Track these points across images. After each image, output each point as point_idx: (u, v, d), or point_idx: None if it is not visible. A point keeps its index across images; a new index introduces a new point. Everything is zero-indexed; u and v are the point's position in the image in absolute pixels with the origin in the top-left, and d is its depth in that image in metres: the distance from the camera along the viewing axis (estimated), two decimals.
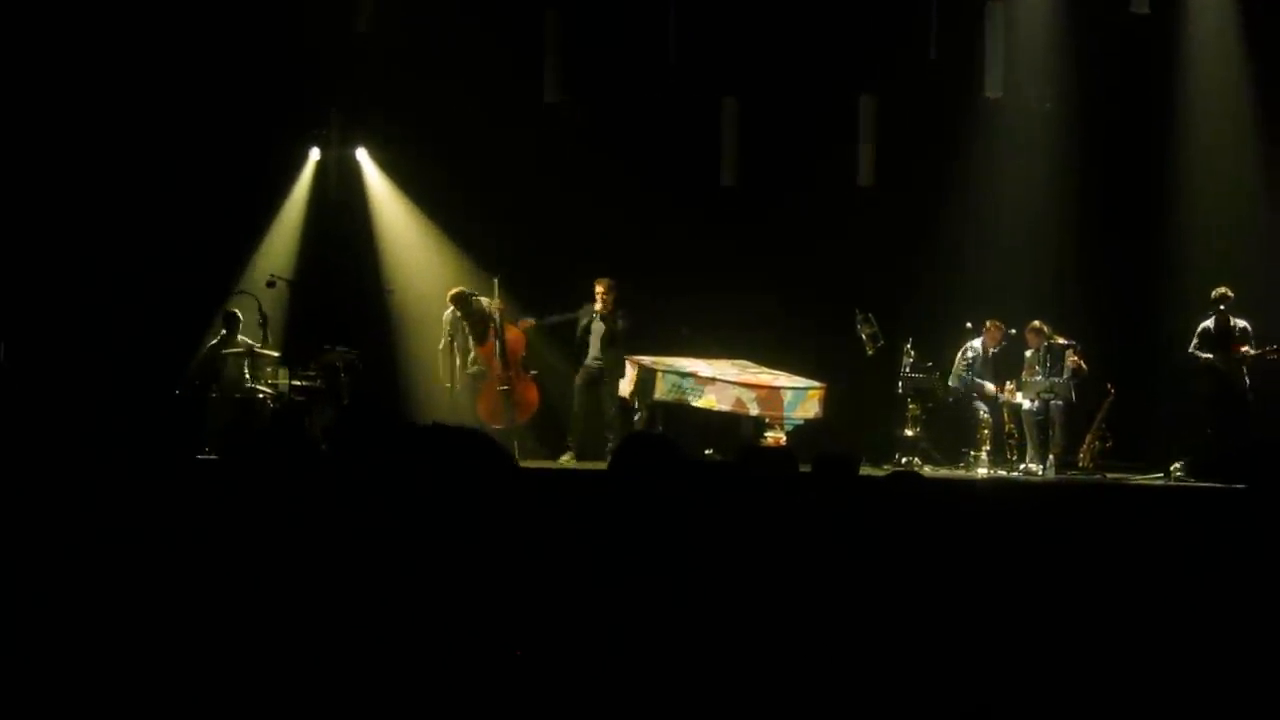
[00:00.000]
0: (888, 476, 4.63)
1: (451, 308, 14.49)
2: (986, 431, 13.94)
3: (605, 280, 14.13)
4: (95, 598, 3.16)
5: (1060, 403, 13.74)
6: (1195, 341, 13.48)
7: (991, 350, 14.35)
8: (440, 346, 14.60)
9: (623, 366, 14.00)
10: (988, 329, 14.32)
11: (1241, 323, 13.35)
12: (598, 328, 14.18)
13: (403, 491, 2.82)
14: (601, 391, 14.17)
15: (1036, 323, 13.95)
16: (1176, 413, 14.12)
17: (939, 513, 4.17)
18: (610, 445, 13.90)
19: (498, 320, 14.37)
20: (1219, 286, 13.40)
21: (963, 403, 14.28)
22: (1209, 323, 13.42)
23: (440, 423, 2.89)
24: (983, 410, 14.08)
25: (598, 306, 14.15)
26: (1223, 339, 13.35)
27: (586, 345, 14.24)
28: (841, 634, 3.59)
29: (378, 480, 2.89)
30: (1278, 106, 14.33)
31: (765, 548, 3.92)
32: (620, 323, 14.09)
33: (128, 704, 2.89)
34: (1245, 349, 13.25)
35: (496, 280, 14.42)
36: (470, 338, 14.52)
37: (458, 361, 14.54)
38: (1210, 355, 13.35)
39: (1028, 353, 14.01)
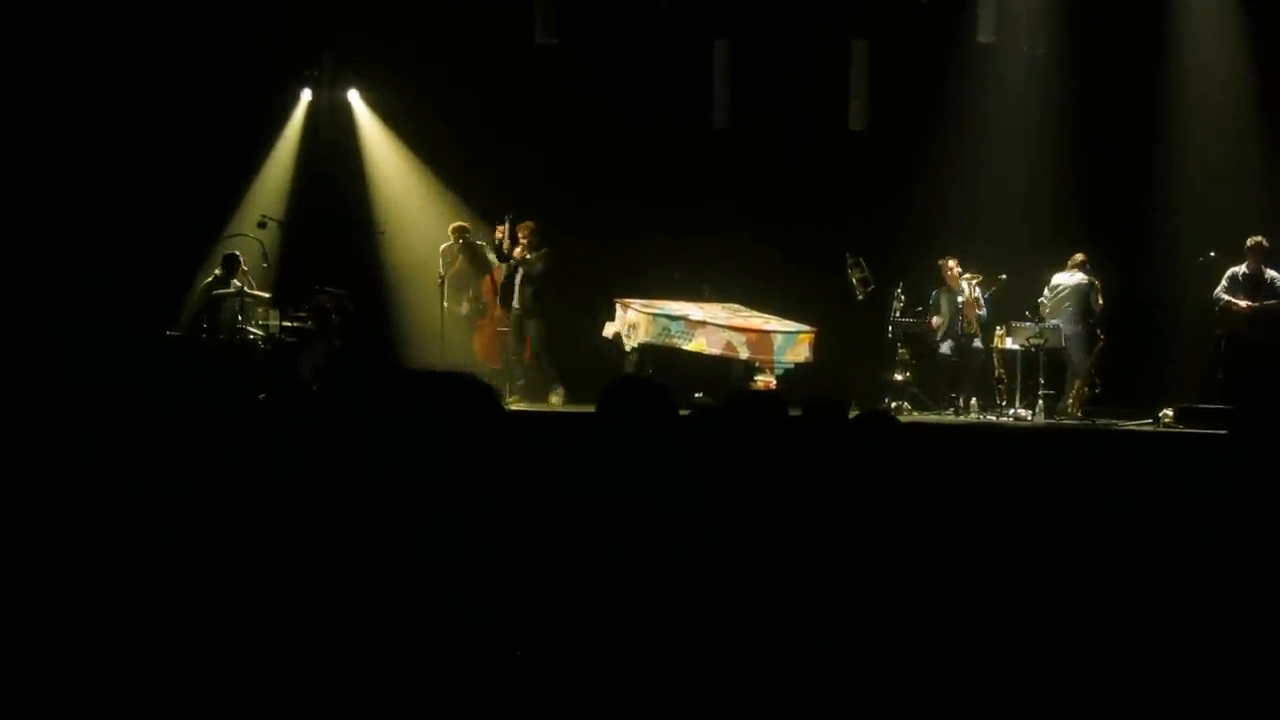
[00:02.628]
0: (856, 418, 4.62)
1: (451, 240, 14.57)
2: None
3: (527, 224, 14.24)
4: (84, 544, 3.18)
5: (1075, 348, 13.71)
6: (1224, 284, 13.40)
7: (958, 293, 14.16)
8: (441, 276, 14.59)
9: (542, 307, 14.20)
10: (947, 270, 14.31)
11: (1272, 272, 13.32)
12: (522, 270, 14.28)
13: (391, 437, 2.84)
14: (525, 333, 14.37)
15: (1080, 256, 13.86)
16: (1169, 359, 14.17)
17: (912, 454, 4.20)
18: (521, 383, 14.25)
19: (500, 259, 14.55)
20: (1255, 235, 13.30)
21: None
22: (1241, 268, 13.35)
23: (430, 367, 2.91)
24: (942, 348, 14.19)
25: (516, 251, 14.22)
26: (1254, 286, 13.34)
27: (513, 287, 14.34)
28: (825, 577, 3.63)
29: (367, 426, 2.91)
30: (1272, 54, 14.27)
31: (755, 491, 3.95)
32: (539, 265, 14.16)
33: (124, 647, 2.92)
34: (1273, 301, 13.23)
35: (508, 220, 14.45)
36: (473, 273, 14.69)
37: (445, 302, 14.55)
38: (1236, 299, 13.34)
39: (1052, 289, 13.86)
